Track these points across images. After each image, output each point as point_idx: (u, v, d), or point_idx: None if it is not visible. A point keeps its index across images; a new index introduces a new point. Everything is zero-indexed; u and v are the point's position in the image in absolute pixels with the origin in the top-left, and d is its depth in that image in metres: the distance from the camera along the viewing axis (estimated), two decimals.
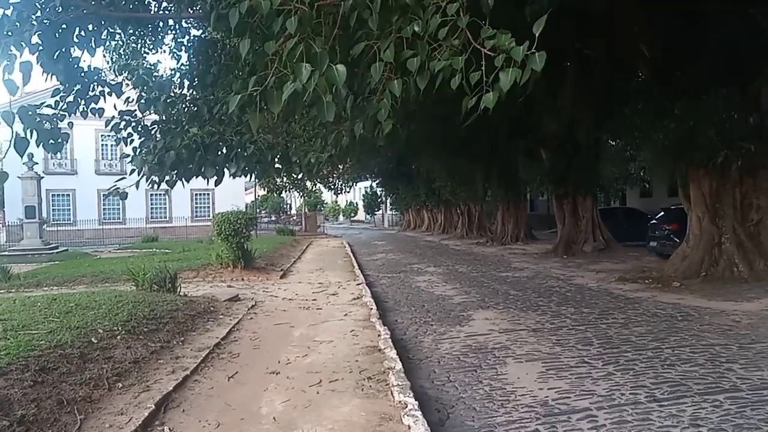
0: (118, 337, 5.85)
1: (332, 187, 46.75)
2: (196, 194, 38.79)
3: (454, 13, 3.23)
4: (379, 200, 51.82)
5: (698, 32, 10.57)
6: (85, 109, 6.63)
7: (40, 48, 5.40)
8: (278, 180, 38.70)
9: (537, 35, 3.05)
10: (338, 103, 3.84)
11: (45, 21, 5.32)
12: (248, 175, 8.19)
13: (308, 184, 42.97)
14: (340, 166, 35.00)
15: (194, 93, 8.66)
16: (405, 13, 3.55)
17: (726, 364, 5.59)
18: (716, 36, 10.09)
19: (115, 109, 7.34)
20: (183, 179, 7.17)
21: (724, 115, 10.18)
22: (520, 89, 3.12)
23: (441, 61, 3.28)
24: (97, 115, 6.60)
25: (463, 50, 3.25)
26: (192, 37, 10.24)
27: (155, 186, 7.20)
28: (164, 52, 12.25)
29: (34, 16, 5.21)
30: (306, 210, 47.67)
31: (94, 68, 6.64)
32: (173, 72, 9.94)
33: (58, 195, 35.75)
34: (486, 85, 3.18)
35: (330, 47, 3.50)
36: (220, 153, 6.91)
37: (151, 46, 10.89)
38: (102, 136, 35.33)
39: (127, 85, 8.77)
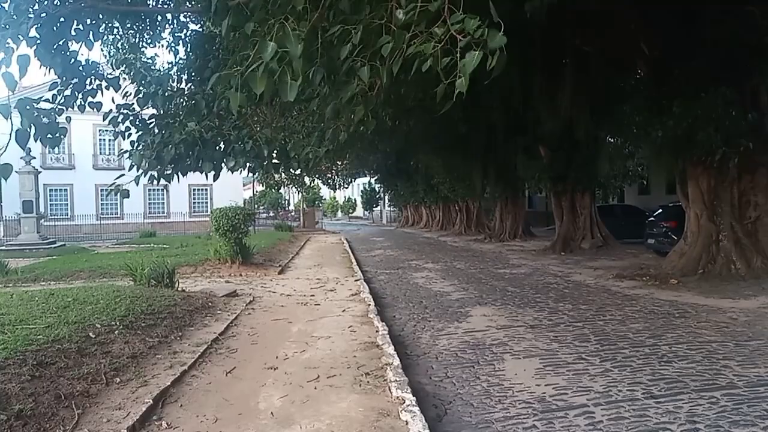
0: (116, 332, 5.85)
1: (330, 183, 46.71)
2: (194, 189, 38.71)
3: None
4: (377, 196, 51.76)
5: (697, 30, 10.56)
6: (83, 103, 6.60)
7: (38, 41, 5.37)
8: (276, 176, 38.65)
9: (495, 18, 3.01)
10: (311, 85, 3.78)
11: (43, 14, 5.29)
12: (246, 170, 8.16)
13: (306, 180, 42.92)
14: (339, 162, 34.97)
15: (192, 87, 8.64)
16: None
17: (723, 361, 5.61)
18: (715, 33, 10.07)
19: (113, 102, 7.31)
20: (179, 173, 7.15)
21: (722, 112, 10.18)
22: (487, 73, 3.07)
23: (414, 46, 3.25)
24: (95, 109, 6.57)
25: (439, 37, 3.22)
26: (190, 32, 10.22)
27: (155, 182, 7.18)
28: (162, 46, 12.18)
29: (31, 9, 5.18)
30: (304, 206, 47.63)
31: (92, 62, 6.60)
32: (171, 66, 9.91)
33: (56, 190, 35.63)
34: (458, 72, 3.16)
35: (310, 30, 3.45)
36: (218, 148, 6.89)
37: (149, 41, 10.85)
38: (100, 130, 35.21)
39: (125, 79, 8.74)
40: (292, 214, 53.31)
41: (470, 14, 3.08)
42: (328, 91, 4.14)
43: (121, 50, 11.10)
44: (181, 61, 9.99)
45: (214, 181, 7.39)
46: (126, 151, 7.35)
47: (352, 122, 3.78)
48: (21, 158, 20.48)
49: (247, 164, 7.45)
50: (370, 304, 8.72)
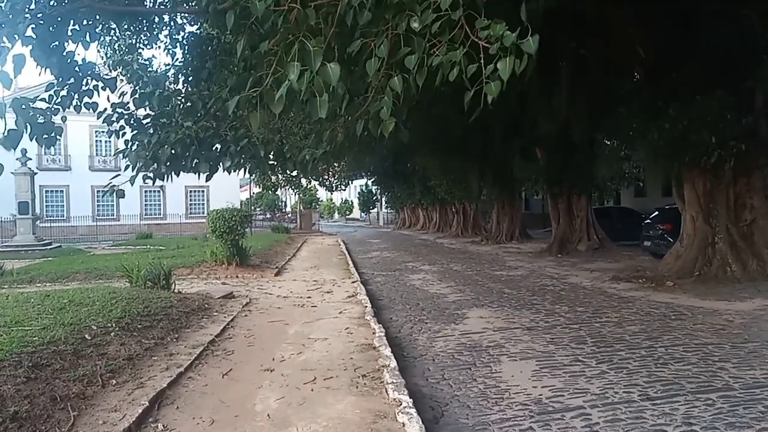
0: (112, 333, 5.82)
1: (327, 184, 46.69)
2: (190, 191, 38.64)
3: (447, 7, 3.22)
4: (374, 198, 51.78)
5: (693, 33, 10.62)
6: (79, 103, 6.56)
7: (34, 41, 5.35)
8: (273, 177, 38.63)
9: (525, 21, 3.04)
10: (334, 101, 3.82)
11: (39, 14, 5.26)
12: (242, 171, 8.14)
13: (303, 181, 42.91)
14: (336, 164, 34.98)
15: (189, 88, 8.61)
16: (400, 9, 3.54)
17: (719, 363, 5.63)
18: (711, 36, 10.13)
19: (108, 101, 7.28)
20: (174, 172, 7.13)
21: (717, 115, 10.22)
22: (518, 78, 3.10)
23: (439, 56, 3.27)
24: (91, 109, 6.54)
25: (460, 44, 3.24)
26: (187, 33, 10.20)
27: (152, 182, 7.16)
28: (159, 47, 12.23)
29: (27, 9, 5.15)
30: (301, 207, 47.61)
31: (89, 62, 6.58)
32: (168, 67, 9.88)
33: (52, 191, 35.53)
34: (485, 77, 3.17)
35: (327, 46, 3.48)
36: (214, 148, 6.87)
37: (146, 42, 10.82)
38: (96, 131, 35.12)
39: (122, 80, 8.72)
40: (289, 215, 53.28)
41: (496, 19, 3.10)
42: (350, 106, 4.16)
43: (118, 51, 11.09)
44: (178, 63, 9.97)
45: (207, 181, 7.37)
46: (121, 151, 7.32)
47: (383, 136, 3.78)
48: (17, 159, 20.40)
49: (244, 165, 7.43)
50: (366, 306, 8.70)
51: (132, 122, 7.41)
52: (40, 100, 5.72)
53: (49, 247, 22.14)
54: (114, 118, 7.26)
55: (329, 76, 3.28)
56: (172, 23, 10.22)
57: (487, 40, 3.11)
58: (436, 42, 3.34)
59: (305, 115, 8.19)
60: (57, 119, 5.72)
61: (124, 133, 7.36)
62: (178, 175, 7.16)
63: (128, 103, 7.50)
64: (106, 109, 7.16)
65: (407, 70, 3.47)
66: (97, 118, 7.13)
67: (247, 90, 3.61)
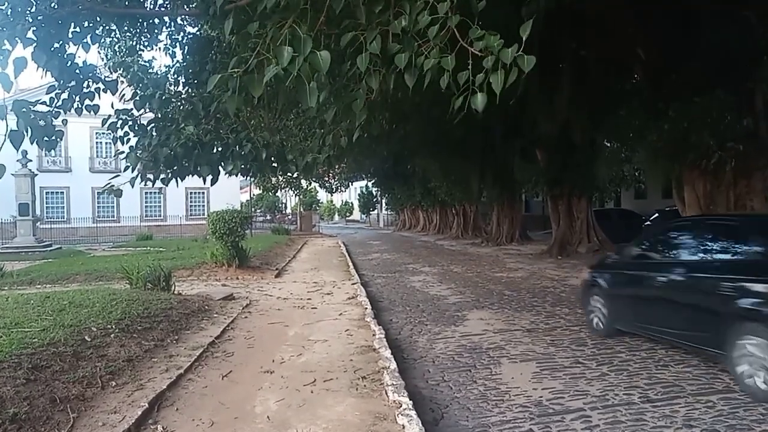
0: (112, 335, 5.83)
1: (327, 186, 46.71)
2: (190, 193, 38.64)
3: (445, 12, 3.22)
4: (374, 200, 51.76)
5: (693, 33, 10.62)
6: (80, 106, 6.57)
7: (35, 43, 5.36)
8: (273, 179, 38.65)
9: (525, 38, 3.04)
10: (322, 90, 3.81)
11: (39, 16, 5.28)
12: (244, 174, 8.14)
13: (303, 183, 42.93)
14: (337, 167, 34.96)
15: (189, 90, 8.62)
16: (389, 6, 3.52)
17: (719, 365, 5.61)
18: (711, 36, 10.12)
19: (112, 107, 7.29)
20: (178, 178, 7.12)
21: (717, 116, 10.21)
22: (510, 90, 3.10)
23: (430, 59, 3.27)
24: (91, 112, 6.55)
25: (451, 49, 3.24)
26: (187, 35, 10.22)
27: (151, 184, 7.15)
28: (159, 49, 12.25)
29: (28, 11, 5.17)
30: (301, 209, 47.63)
31: (89, 65, 6.58)
32: (168, 69, 9.89)
33: (52, 192, 35.52)
34: (473, 86, 3.16)
35: (315, 35, 3.46)
36: (215, 151, 6.87)
37: (147, 44, 10.83)
38: (96, 133, 35.13)
39: (122, 82, 8.72)
40: (289, 217, 53.28)
41: (490, 31, 3.09)
42: (328, 96, 4.14)
43: (118, 53, 11.10)
44: (178, 64, 9.99)
45: (212, 185, 7.37)
46: (122, 152, 7.32)
47: (353, 127, 3.77)
48: (17, 161, 20.42)
49: (245, 168, 7.43)
50: (366, 308, 8.70)
51: (136, 128, 7.41)
52: (41, 102, 5.72)
53: (49, 248, 22.16)
54: (118, 125, 7.26)
55: (319, 63, 3.26)
56: (172, 25, 10.24)
57: (481, 50, 3.10)
58: (424, 43, 3.33)
59: (306, 117, 8.21)
60: (58, 122, 5.72)
61: (128, 140, 7.36)
62: (183, 180, 7.15)
63: (132, 109, 7.50)
64: (110, 116, 7.16)
65: (396, 67, 3.45)
66: (102, 125, 7.13)
67: (229, 69, 3.57)
